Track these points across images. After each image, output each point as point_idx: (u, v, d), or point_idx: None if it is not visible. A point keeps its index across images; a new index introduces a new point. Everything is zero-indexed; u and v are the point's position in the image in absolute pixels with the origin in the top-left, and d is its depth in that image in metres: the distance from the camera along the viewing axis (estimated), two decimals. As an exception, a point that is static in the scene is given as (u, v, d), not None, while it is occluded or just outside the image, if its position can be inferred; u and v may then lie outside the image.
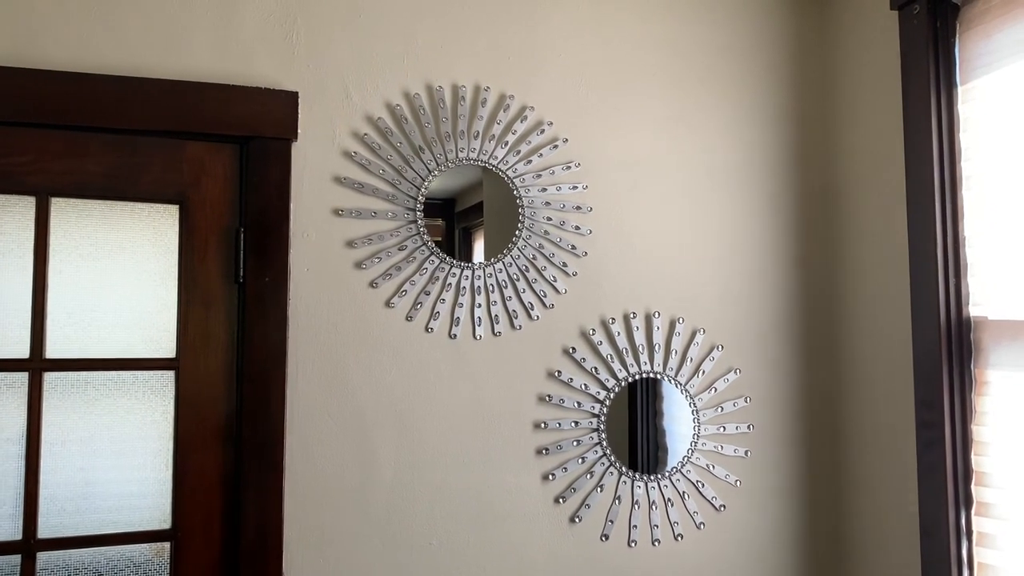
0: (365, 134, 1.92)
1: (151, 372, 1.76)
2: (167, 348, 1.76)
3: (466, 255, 2.01)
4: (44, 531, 1.66)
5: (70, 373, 1.71)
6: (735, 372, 2.15)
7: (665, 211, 2.14)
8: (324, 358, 1.86)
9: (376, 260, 1.91)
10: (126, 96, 1.73)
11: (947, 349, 1.84)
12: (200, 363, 1.77)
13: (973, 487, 1.81)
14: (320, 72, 1.90)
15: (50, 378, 1.69)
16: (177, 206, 1.79)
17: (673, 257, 2.14)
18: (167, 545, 1.73)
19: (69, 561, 1.67)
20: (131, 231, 1.78)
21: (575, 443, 2.01)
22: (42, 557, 1.65)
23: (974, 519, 1.81)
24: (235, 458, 1.77)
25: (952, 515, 1.81)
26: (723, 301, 2.17)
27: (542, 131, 2.05)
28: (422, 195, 1.94)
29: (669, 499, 2.07)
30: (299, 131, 1.87)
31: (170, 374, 1.76)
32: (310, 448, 1.83)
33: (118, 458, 1.72)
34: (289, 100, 1.86)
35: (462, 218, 2.02)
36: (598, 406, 2.03)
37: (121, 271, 1.77)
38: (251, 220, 1.81)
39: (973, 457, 1.82)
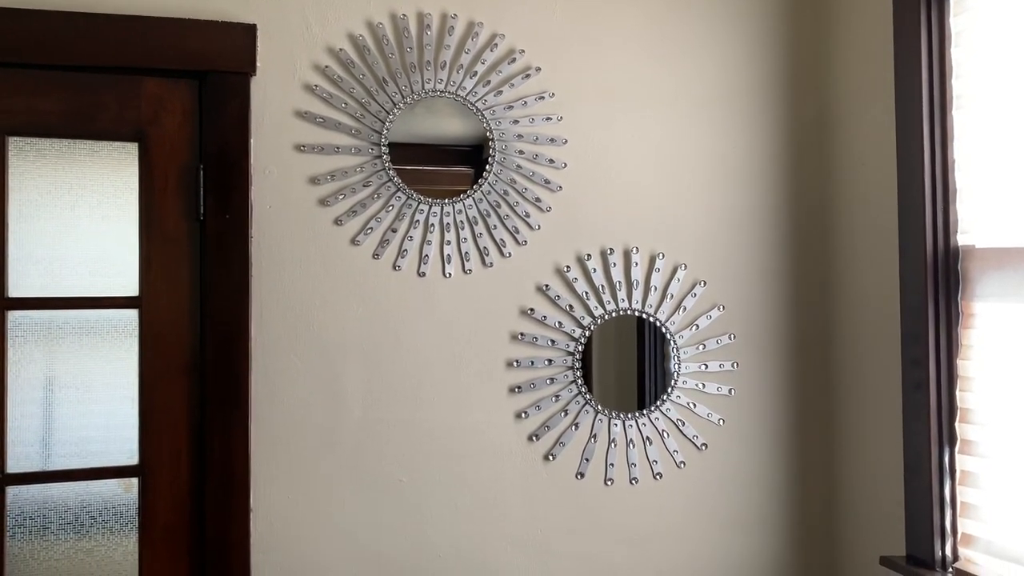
0: (327, 67, 1.87)
1: (115, 311, 1.77)
2: (130, 287, 1.76)
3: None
4: (13, 466, 1.69)
5: (34, 312, 1.72)
6: (719, 308, 2.08)
7: (646, 142, 2.06)
8: (289, 296, 1.84)
9: (340, 197, 1.87)
10: (77, 32, 1.70)
11: (933, 280, 1.74)
12: (163, 301, 1.77)
13: (957, 424, 1.73)
14: (279, 3, 1.85)
15: (14, 317, 1.71)
16: (136, 144, 1.77)
17: (654, 190, 2.06)
18: (135, 481, 1.75)
19: (36, 496, 1.71)
20: (91, 169, 1.77)
21: (549, 381, 1.97)
22: (12, 491, 1.69)
23: (957, 457, 1.73)
24: (200, 396, 1.77)
25: (936, 453, 1.74)
26: (707, 235, 2.09)
27: (513, 60, 1.97)
28: (387, 129, 1.89)
29: (648, 438, 2.03)
30: (258, 65, 1.82)
31: (133, 312, 1.76)
32: (276, 386, 1.83)
33: (84, 395, 1.74)
34: (247, 33, 1.81)
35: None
36: (573, 344, 1.99)
37: (82, 210, 1.76)
38: (211, 157, 1.78)
39: (958, 393, 1.73)
